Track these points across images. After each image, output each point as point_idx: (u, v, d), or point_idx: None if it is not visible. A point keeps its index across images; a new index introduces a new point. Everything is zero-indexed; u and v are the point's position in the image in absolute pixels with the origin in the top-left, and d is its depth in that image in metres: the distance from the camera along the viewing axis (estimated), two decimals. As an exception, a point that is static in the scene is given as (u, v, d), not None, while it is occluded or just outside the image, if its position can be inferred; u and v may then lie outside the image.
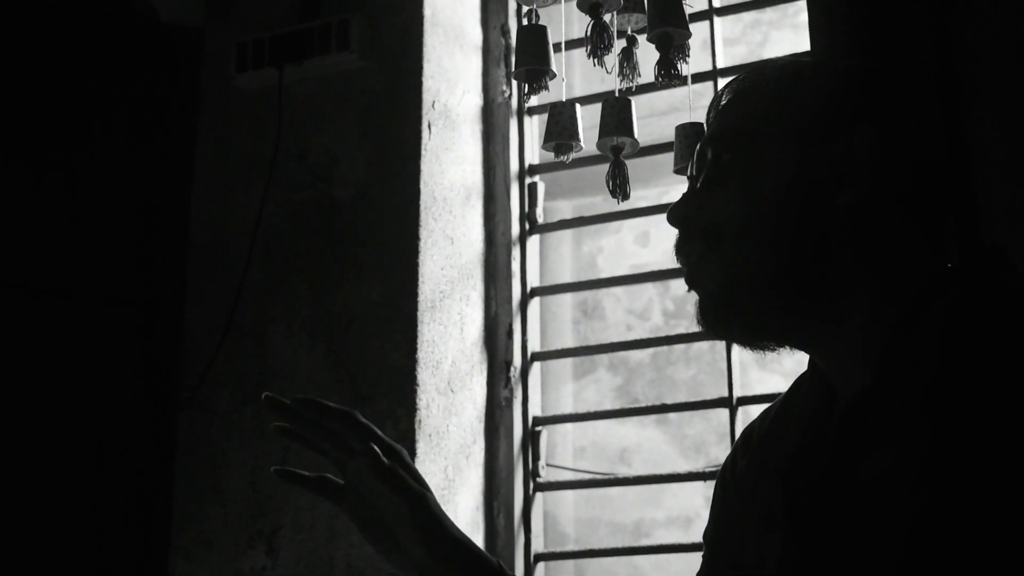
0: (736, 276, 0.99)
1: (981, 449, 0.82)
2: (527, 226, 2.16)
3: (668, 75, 1.69)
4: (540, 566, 2.02)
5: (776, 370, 2.53)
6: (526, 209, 2.17)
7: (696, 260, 1.03)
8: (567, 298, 2.74)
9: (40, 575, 2.11)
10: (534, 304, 2.14)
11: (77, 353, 2.20)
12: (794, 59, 1.16)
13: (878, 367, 0.94)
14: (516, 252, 2.14)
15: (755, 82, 1.06)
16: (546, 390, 2.23)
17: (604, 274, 2.72)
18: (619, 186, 1.73)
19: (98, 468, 2.14)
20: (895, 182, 0.99)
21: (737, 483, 1.11)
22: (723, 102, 1.07)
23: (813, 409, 1.03)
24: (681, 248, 1.05)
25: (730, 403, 1.94)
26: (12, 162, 2.36)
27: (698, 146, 1.06)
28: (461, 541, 1.16)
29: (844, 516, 0.92)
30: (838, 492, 0.93)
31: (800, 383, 1.10)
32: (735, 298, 0.99)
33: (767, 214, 0.99)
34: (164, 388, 2.14)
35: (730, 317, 1.01)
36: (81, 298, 2.23)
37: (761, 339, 1.02)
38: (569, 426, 2.56)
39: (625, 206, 1.90)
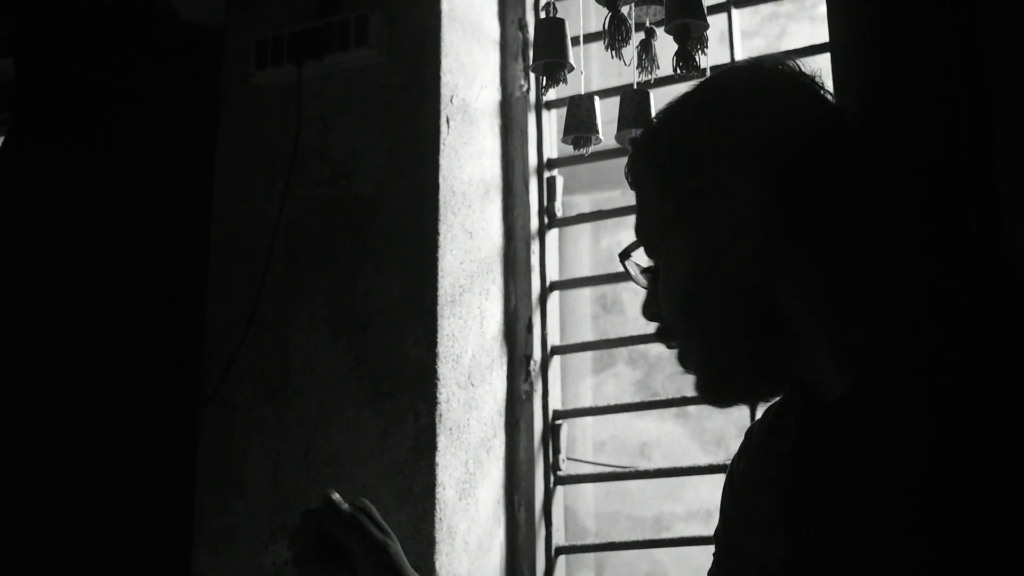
0: (708, 363, 1.02)
1: (987, 451, 0.82)
2: (546, 220, 2.16)
3: (686, 67, 1.69)
4: (561, 559, 2.02)
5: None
6: (545, 203, 2.17)
7: (677, 348, 1.06)
8: (586, 292, 2.75)
9: (65, 568, 2.13)
10: (553, 298, 2.14)
11: (99, 350, 2.21)
12: (648, 137, 1.10)
13: (862, 371, 0.94)
14: (535, 246, 2.15)
15: (637, 178, 1.07)
16: (565, 385, 2.23)
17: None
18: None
19: (122, 463, 2.15)
20: (804, 206, 0.98)
21: (740, 483, 1.12)
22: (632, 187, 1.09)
23: (807, 410, 1.03)
24: (659, 339, 1.08)
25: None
26: (38, 160, 2.38)
27: None
28: None
29: (845, 516, 0.92)
30: (837, 493, 0.94)
31: (796, 386, 1.10)
32: (717, 381, 1.02)
33: (692, 306, 1.01)
34: (187, 384, 2.15)
35: (723, 396, 1.04)
36: (103, 295, 2.24)
37: (759, 400, 1.06)
38: (589, 420, 2.57)
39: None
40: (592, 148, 1.97)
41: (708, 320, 1.01)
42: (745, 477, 1.11)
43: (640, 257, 1.08)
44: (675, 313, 1.02)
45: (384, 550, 1.18)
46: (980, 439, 0.82)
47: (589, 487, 2.53)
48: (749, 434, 1.15)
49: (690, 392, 2.29)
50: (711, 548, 1.17)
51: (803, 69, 1.06)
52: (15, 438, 2.23)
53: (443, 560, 1.84)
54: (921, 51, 1.74)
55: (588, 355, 2.65)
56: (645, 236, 1.06)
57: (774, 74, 1.06)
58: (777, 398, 1.07)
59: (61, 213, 2.31)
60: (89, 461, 2.16)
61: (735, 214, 0.98)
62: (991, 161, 1.66)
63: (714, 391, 1.03)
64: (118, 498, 2.14)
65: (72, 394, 2.20)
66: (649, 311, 1.06)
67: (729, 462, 2.00)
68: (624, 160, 1.83)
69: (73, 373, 2.20)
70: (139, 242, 2.25)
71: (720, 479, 1.16)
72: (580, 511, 2.52)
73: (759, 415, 1.16)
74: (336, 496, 1.20)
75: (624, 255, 1.08)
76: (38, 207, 2.34)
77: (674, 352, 1.07)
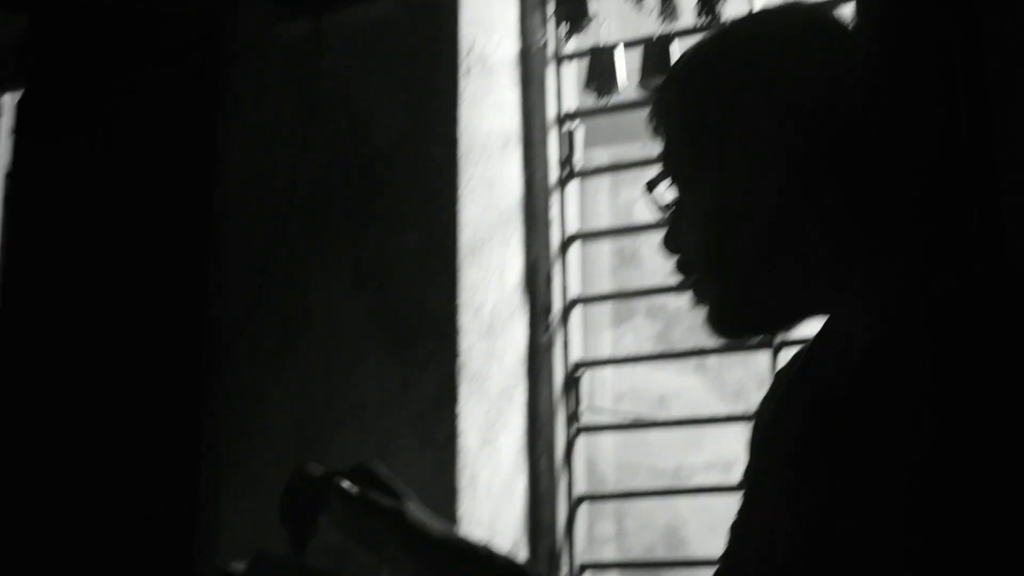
0: (725, 298, 1.03)
1: (985, 452, 0.83)
2: (566, 172, 2.16)
3: (709, 15, 1.69)
4: (582, 508, 2.04)
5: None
6: (564, 155, 2.17)
7: (692, 283, 1.07)
8: (604, 246, 2.75)
9: (91, 523, 2.16)
10: (574, 249, 2.14)
11: (118, 308, 2.23)
12: (695, 62, 1.09)
13: (890, 325, 0.94)
14: (555, 198, 2.15)
15: (666, 112, 1.07)
16: (584, 338, 2.24)
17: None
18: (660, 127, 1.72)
19: (145, 417, 2.17)
20: (834, 153, 0.99)
21: (768, 428, 1.12)
22: (655, 126, 1.09)
23: (836, 355, 1.03)
24: (678, 271, 1.08)
25: (771, 345, 1.94)
26: (53, 121, 2.40)
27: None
28: (444, 541, 1.18)
29: (869, 469, 0.92)
30: (861, 445, 0.93)
31: (827, 327, 1.10)
32: (731, 315, 1.04)
33: (716, 243, 1.02)
34: (208, 337, 2.16)
35: (734, 331, 1.06)
36: (117, 251, 2.26)
37: (770, 336, 1.08)
38: (608, 372, 2.58)
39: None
40: (612, 100, 1.97)
41: (732, 257, 1.02)
42: (773, 422, 1.11)
43: (663, 190, 1.09)
44: (698, 249, 1.04)
45: (399, 516, 1.17)
46: (979, 440, 0.83)
47: (609, 439, 2.54)
48: (778, 378, 1.15)
49: (711, 343, 2.30)
50: (732, 500, 1.18)
51: (835, 17, 1.07)
52: (37, 399, 2.26)
53: (465, 507, 1.86)
54: (921, 47, 1.72)
55: (607, 309, 2.66)
56: (671, 170, 1.07)
57: (811, 19, 1.07)
58: (792, 335, 1.08)
59: (73, 171, 2.33)
60: (111, 416, 2.19)
61: (765, 155, 0.99)
62: (991, 161, 1.65)
63: (726, 325, 1.05)
64: (143, 451, 2.16)
65: (87, 354, 2.22)
66: (671, 244, 1.08)
67: (750, 412, 2.00)
68: (644, 112, 1.84)
69: (88, 335, 2.23)
70: (154, 196, 2.26)
71: (740, 430, 1.17)
72: (600, 462, 2.53)
73: (788, 360, 1.17)
74: (345, 483, 1.17)
75: (649, 187, 1.09)
76: (53, 166, 2.36)
77: (691, 293, 1.08)
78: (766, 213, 1.00)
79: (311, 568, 1.07)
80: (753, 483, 1.16)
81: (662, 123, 1.08)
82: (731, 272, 1.02)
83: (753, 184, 0.99)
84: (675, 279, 1.09)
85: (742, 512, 1.17)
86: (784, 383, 1.13)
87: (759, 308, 1.03)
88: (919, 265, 0.99)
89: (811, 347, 1.11)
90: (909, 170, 1.02)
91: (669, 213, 1.08)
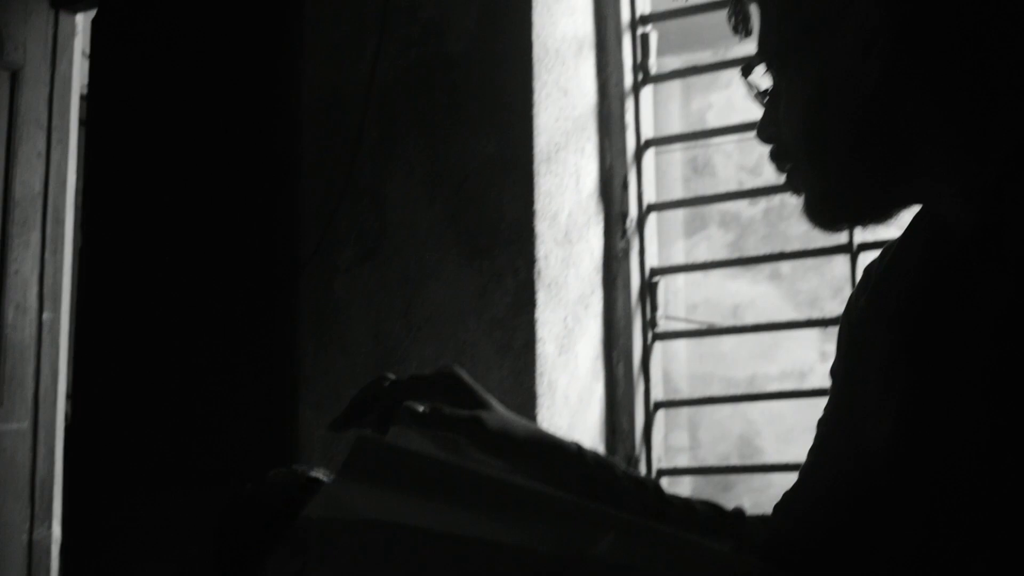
0: (822, 184, 1.00)
1: None
2: (640, 77, 2.13)
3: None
4: (659, 414, 2.04)
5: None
6: (638, 60, 2.13)
7: (788, 171, 1.04)
8: (677, 155, 2.72)
9: (179, 432, 2.21)
10: (648, 155, 2.12)
11: (198, 225, 2.26)
12: None
13: (991, 205, 0.92)
14: (629, 103, 2.12)
15: None
16: (659, 247, 2.23)
17: (714, 131, 2.68)
18: (741, 22, 1.68)
19: (227, 327, 2.21)
20: (934, 30, 0.95)
21: (858, 322, 1.11)
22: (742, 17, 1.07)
23: (930, 247, 1.02)
24: (773, 160, 1.06)
25: (850, 249, 1.91)
26: (128, 40, 2.41)
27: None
28: (528, 441, 1.16)
29: (966, 363, 0.90)
30: (954, 339, 0.92)
31: (919, 219, 1.08)
32: (829, 203, 1.01)
33: (813, 126, 0.99)
34: (286, 248, 2.18)
35: (832, 220, 1.03)
36: (196, 168, 2.28)
37: (868, 224, 1.05)
38: (682, 282, 2.57)
39: (739, 55, 1.86)
40: (688, 1, 1.93)
41: (830, 143, 0.99)
42: (863, 315, 1.10)
43: (759, 76, 1.06)
44: (795, 133, 1.01)
45: (477, 424, 1.14)
46: None
47: (683, 349, 2.54)
48: (868, 272, 1.14)
49: (787, 248, 2.25)
50: (806, 409, 1.17)
51: None
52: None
53: (544, 414, 1.87)
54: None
55: (680, 218, 2.64)
56: (767, 55, 1.04)
57: None
58: (888, 225, 1.06)
59: (155, 86, 2.34)
60: (189, 332, 2.23)
61: (864, 33, 0.96)
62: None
63: (824, 212, 1.02)
64: (226, 360, 2.20)
65: (168, 271, 2.25)
66: (765, 132, 1.05)
67: (825, 319, 1.98)
68: (716, 18, 1.79)
69: (168, 253, 2.26)
70: (230, 108, 2.27)
71: (814, 340, 1.16)
72: (674, 373, 2.53)
73: (879, 254, 1.15)
74: (411, 405, 1.16)
75: (745, 71, 1.07)
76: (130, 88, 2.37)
77: (787, 181, 1.06)
78: (866, 97, 0.97)
79: (417, 449, 1.07)
80: (842, 379, 1.15)
81: (759, 5, 1.05)
82: (829, 158, 1.00)
83: (854, 67, 0.97)
84: (773, 166, 1.07)
85: (830, 406, 1.17)
86: (874, 277, 1.12)
87: (856, 195, 1.01)
88: (1016, 158, 0.96)
89: (901, 240, 1.09)
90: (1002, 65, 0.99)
91: (765, 100, 1.06)
